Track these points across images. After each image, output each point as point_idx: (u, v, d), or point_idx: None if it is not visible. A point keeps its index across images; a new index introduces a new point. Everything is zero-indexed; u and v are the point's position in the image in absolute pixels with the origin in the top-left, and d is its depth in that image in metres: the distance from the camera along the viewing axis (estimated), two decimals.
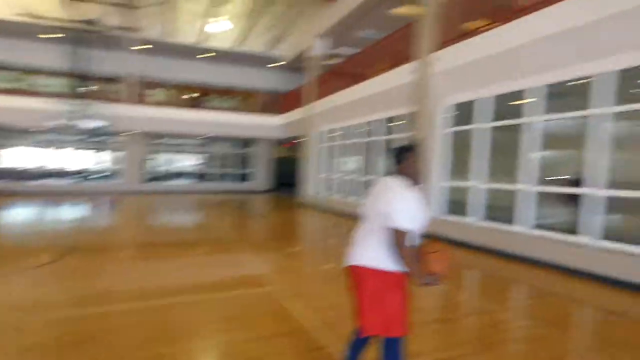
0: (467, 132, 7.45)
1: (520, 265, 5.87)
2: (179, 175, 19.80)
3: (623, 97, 5.04)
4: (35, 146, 17.36)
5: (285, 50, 17.53)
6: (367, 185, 11.50)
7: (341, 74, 12.88)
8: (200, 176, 20.08)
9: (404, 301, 2.16)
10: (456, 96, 7.46)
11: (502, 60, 6.41)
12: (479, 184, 7.10)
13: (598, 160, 5.25)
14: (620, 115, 5.14)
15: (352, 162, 12.63)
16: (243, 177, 20.52)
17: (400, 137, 9.76)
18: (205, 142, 20.03)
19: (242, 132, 18.56)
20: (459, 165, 7.82)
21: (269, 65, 18.87)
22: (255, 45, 17.11)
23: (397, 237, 2.06)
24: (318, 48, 14.30)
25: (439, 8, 7.69)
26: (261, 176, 20.48)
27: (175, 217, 11.74)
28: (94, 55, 15.34)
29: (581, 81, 5.45)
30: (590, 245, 5.24)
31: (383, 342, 2.15)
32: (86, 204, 13.58)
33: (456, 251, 6.65)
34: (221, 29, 15.99)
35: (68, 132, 16.92)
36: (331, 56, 14.87)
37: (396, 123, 10.27)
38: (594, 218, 5.28)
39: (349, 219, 10.88)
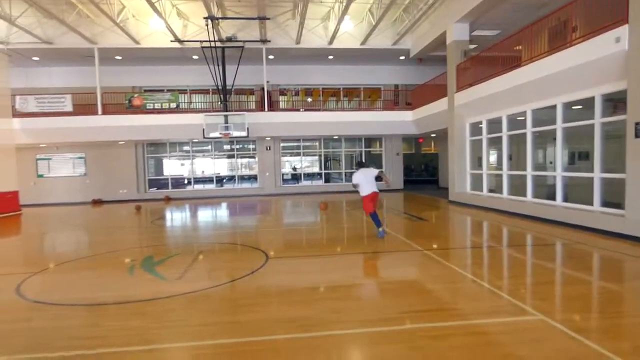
0: None
1: None
2: (307, 176, 20.43)
3: None
4: (184, 157, 19.50)
5: (412, 43, 16.74)
6: (516, 180, 10.35)
7: (490, 60, 11.58)
8: (327, 176, 20.42)
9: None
10: None
11: None
12: None
13: None
14: None
15: (502, 156, 11.36)
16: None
17: (582, 124, 8.33)
18: (331, 142, 20.32)
19: (370, 131, 18.31)
20: None
21: (401, 58, 18.19)
22: (381, 40, 16.66)
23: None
24: (457, 34, 13.15)
25: None
26: (391, 174, 20.11)
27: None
28: (232, 69, 16.49)
29: None
30: None
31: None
32: (236, 207, 14.76)
33: None
34: (346, 29, 15.88)
35: (221, 142, 18.68)
36: (471, 41, 13.59)
37: (576, 108, 8.87)
38: None
39: (499, 215, 10.10)
